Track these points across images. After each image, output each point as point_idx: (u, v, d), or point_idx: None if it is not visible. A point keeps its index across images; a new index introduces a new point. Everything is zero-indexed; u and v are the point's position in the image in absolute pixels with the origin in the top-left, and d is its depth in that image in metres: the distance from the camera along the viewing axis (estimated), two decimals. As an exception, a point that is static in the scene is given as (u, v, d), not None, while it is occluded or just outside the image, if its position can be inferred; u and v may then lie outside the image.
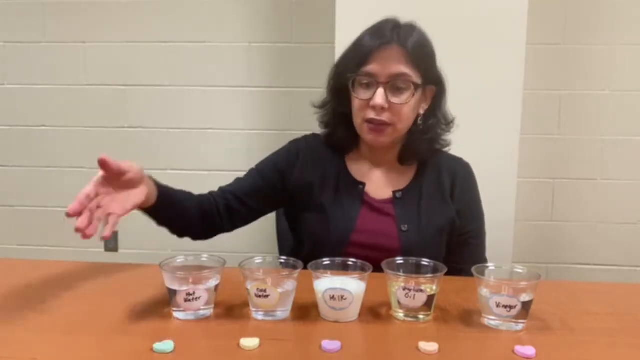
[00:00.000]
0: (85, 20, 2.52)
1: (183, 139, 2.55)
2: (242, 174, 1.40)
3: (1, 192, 2.67)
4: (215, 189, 1.37)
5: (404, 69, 1.20)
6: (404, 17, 1.27)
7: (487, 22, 1.92)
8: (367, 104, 1.21)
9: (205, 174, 2.54)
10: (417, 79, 1.21)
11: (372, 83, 1.21)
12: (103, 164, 0.98)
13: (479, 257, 1.35)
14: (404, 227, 1.26)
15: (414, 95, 1.21)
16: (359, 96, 1.23)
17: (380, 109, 1.20)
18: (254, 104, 2.50)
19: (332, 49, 1.96)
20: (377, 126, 1.22)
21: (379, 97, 1.19)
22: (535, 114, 2.34)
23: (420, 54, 1.22)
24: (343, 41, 1.94)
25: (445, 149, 1.35)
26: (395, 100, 1.20)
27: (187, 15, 2.48)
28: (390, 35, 1.20)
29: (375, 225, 1.27)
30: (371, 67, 1.20)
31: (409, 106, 1.22)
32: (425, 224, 1.27)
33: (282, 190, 1.35)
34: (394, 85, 1.20)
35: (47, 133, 2.61)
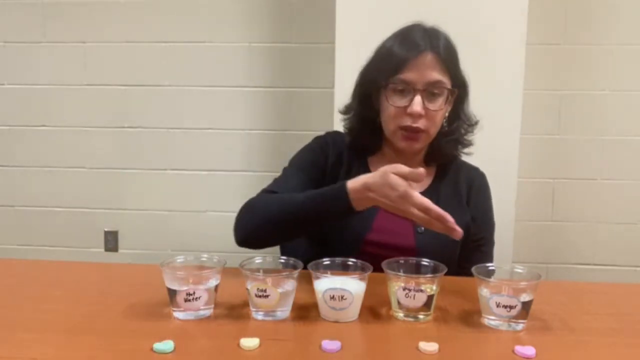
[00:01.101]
0: (85, 20, 2.52)
1: (183, 139, 2.55)
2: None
3: (1, 192, 2.67)
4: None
5: (438, 75, 1.20)
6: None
7: (487, 22, 1.92)
8: (403, 111, 1.21)
9: (205, 174, 2.54)
10: (449, 84, 1.23)
11: (408, 90, 1.21)
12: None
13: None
14: (420, 229, 1.27)
15: (447, 100, 1.23)
16: (394, 103, 1.22)
17: (417, 116, 1.21)
18: (254, 104, 2.50)
19: (332, 49, 1.96)
20: (412, 133, 1.23)
21: (417, 104, 1.19)
22: (535, 114, 2.34)
23: (450, 58, 1.23)
24: (343, 41, 1.96)
25: (468, 149, 1.36)
26: (431, 106, 1.21)
27: (187, 15, 2.48)
28: (423, 43, 1.21)
29: (392, 225, 1.27)
30: (407, 75, 1.20)
31: (442, 111, 1.24)
32: None
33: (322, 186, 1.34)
34: (429, 92, 1.21)
35: (47, 133, 2.61)
